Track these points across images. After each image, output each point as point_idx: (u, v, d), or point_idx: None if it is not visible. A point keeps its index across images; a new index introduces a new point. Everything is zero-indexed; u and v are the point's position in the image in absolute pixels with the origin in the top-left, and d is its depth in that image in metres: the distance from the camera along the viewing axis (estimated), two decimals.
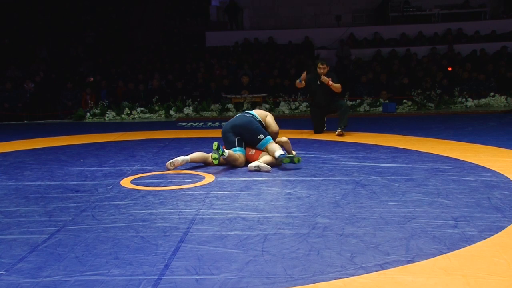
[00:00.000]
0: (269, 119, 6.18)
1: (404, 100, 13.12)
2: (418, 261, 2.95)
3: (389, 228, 3.54)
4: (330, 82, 8.31)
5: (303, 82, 8.44)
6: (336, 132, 8.34)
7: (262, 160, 5.69)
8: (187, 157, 5.77)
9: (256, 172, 5.53)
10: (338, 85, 8.41)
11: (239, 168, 5.76)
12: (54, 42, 16.95)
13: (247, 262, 2.99)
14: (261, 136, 5.86)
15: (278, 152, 5.73)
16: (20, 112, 13.31)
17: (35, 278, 2.81)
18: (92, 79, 14.73)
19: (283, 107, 13.07)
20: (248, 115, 6.08)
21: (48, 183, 5.21)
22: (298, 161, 5.64)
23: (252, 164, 5.61)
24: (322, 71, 8.45)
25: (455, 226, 3.56)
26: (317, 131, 8.70)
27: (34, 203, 4.40)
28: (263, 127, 6.01)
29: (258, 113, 6.21)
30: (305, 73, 8.53)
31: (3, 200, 4.53)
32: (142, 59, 16.60)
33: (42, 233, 3.58)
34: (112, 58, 16.50)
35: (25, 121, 12.75)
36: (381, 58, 16.27)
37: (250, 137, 5.88)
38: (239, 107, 12.80)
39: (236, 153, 5.78)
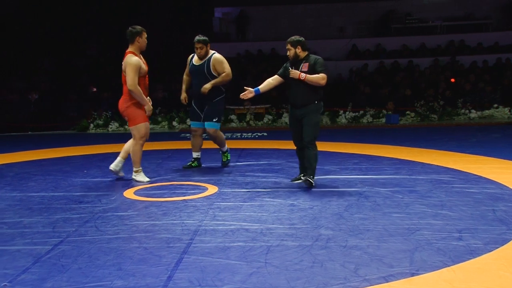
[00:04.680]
0: None
1: (407, 112, 13.12)
2: (423, 273, 2.94)
3: (393, 240, 3.53)
4: (302, 75, 5.22)
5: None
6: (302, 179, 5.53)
7: None
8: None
9: (259, 183, 5.52)
10: (315, 77, 5.21)
11: (242, 179, 5.76)
12: (57, 53, 17.04)
13: (250, 274, 2.98)
14: None
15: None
16: (24, 123, 13.34)
17: None
18: (95, 89, 14.78)
19: (286, 118, 13.07)
20: None
21: (52, 194, 5.22)
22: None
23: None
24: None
25: (460, 239, 3.54)
26: (296, 142, 5.61)
27: (38, 214, 4.40)
28: None
29: None
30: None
31: (7, 211, 4.54)
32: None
33: (45, 244, 3.58)
34: (114, 69, 16.56)
35: (29, 132, 12.78)
36: (383, 70, 16.30)
37: None
38: (242, 118, 12.82)
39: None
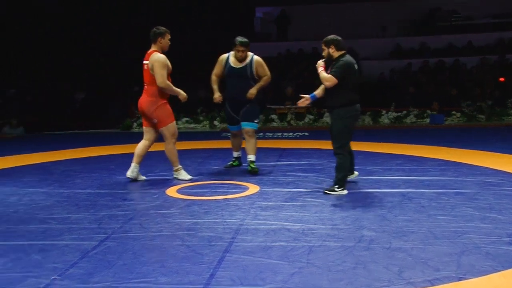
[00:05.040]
0: None
1: (453, 112, 12.80)
2: (470, 278, 2.86)
3: (439, 243, 3.45)
4: (319, 71, 5.10)
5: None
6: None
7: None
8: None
9: (300, 183, 5.50)
10: (323, 76, 5.04)
11: (284, 179, 5.75)
12: (102, 53, 17.44)
13: (292, 274, 2.97)
14: None
15: None
16: (70, 122, 13.72)
17: (86, 284, 2.88)
18: (137, 88, 15.06)
19: (327, 118, 12.96)
20: None
21: (98, 191, 5.34)
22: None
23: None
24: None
25: (511, 243, 3.43)
26: None
27: (85, 211, 4.52)
28: None
29: None
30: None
31: (56, 207, 4.67)
32: (187, 70, 16.87)
33: (92, 240, 3.67)
34: None
35: (76, 131, 13.13)
36: (428, 69, 15.97)
37: None
38: (283, 118, 12.80)
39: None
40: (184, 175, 5.84)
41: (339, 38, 5.08)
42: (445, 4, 18.01)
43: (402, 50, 17.41)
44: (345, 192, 5.00)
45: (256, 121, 6.22)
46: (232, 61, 6.11)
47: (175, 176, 5.87)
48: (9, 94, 14.46)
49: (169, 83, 5.55)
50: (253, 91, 6.03)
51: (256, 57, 6.14)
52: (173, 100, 5.81)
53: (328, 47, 5.06)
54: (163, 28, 5.66)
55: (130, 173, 5.77)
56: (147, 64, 5.58)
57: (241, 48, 6.00)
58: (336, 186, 5.01)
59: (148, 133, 5.77)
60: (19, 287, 2.86)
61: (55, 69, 16.44)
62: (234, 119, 6.27)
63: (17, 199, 5.00)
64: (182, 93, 5.71)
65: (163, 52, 5.62)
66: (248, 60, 6.09)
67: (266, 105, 13.33)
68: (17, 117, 12.38)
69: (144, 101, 5.65)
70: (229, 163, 6.63)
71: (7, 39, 15.84)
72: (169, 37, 5.68)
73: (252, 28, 18.81)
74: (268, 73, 6.15)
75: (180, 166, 5.87)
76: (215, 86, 6.31)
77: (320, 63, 5.13)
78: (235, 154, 6.62)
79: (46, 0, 16.76)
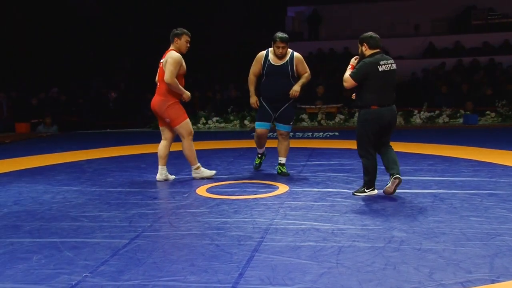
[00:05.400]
0: None
1: (487, 112, 12.52)
2: (504, 281, 2.79)
3: (471, 245, 3.38)
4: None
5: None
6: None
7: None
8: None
9: (330, 183, 5.47)
10: (345, 76, 4.92)
11: (313, 179, 5.72)
12: (135, 53, 17.70)
13: (321, 274, 2.95)
14: None
15: None
16: (103, 121, 13.96)
17: (116, 281, 2.92)
18: None
19: None
20: None
21: (129, 189, 5.42)
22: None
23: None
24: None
25: None
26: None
27: (116, 209, 4.59)
28: None
29: None
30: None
31: (88, 205, 4.76)
32: (219, 69, 16.98)
33: (122, 238, 3.72)
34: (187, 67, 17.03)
35: (108, 130, 13.35)
36: (462, 68, 15.67)
37: None
38: (313, 118, 12.74)
39: None
40: (205, 172, 5.85)
41: (374, 36, 4.84)
42: (481, 2, 17.63)
43: (435, 49, 17.13)
44: (375, 192, 4.91)
45: (291, 123, 6.05)
46: (272, 58, 5.84)
47: (194, 175, 5.84)
48: (52, 93, 14.77)
49: (176, 80, 5.50)
50: (296, 88, 5.76)
51: (296, 54, 5.87)
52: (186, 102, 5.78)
53: (362, 45, 4.87)
54: (182, 29, 5.67)
55: (159, 176, 5.82)
56: (162, 62, 5.62)
57: (282, 44, 5.73)
58: (365, 188, 4.92)
59: (164, 133, 5.81)
60: (52, 283, 2.92)
61: (88, 69, 16.76)
62: (270, 117, 5.94)
63: (50, 197, 5.12)
64: (186, 93, 5.65)
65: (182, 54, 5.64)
66: (288, 57, 5.82)
67: (297, 105, 13.30)
68: (51, 116, 12.64)
69: (156, 100, 5.68)
70: (258, 163, 6.40)
71: (42, 40, 16.23)
72: (187, 39, 5.66)
73: (284, 28, 18.79)
74: (308, 70, 5.91)
75: (198, 164, 5.85)
76: (252, 88, 6.04)
77: (353, 61, 4.98)
78: (260, 151, 6.35)
79: (79, 2, 17.11)
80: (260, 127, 6.00)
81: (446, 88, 13.87)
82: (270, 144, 6.66)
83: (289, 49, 5.85)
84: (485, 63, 15.74)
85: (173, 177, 5.94)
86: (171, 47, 5.65)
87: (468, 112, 12.40)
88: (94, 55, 17.89)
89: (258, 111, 6.05)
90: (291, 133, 6.37)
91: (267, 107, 5.94)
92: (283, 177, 5.91)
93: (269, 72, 5.85)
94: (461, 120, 12.35)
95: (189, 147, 5.73)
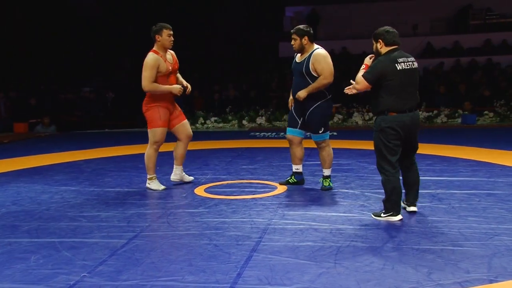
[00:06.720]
0: None
1: (486, 112, 12.53)
2: (502, 280, 2.80)
3: (469, 245, 3.39)
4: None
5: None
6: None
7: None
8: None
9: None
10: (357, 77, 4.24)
11: (311, 179, 5.72)
12: (137, 53, 17.70)
13: (319, 274, 2.95)
14: None
15: None
16: (101, 121, 13.94)
17: (114, 281, 2.92)
18: None
19: (356, 118, 12.86)
20: None
21: (127, 189, 5.42)
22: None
23: None
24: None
25: None
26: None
27: (114, 209, 4.58)
28: None
29: None
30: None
31: (86, 205, 4.76)
32: (218, 69, 16.96)
33: (121, 237, 3.72)
34: (185, 66, 17.04)
35: (106, 130, 13.33)
36: (460, 68, 15.68)
37: None
38: None
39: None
40: (157, 184, 5.41)
41: (391, 30, 4.20)
42: (479, 2, 17.65)
43: (434, 49, 17.14)
44: (396, 218, 4.01)
45: (321, 131, 5.21)
46: (298, 55, 5.28)
47: (147, 185, 5.44)
48: (84, 92, 14.80)
49: (154, 85, 5.19)
50: (300, 93, 5.06)
51: (317, 51, 5.12)
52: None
53: (376, 41, 4.21)
54: (159, 24, 5.24)
55: (173, 176, 5.61)
56: None
57: (293, 36, 5.18)
58: (383, 212, 4.11)
59: (177, 133, 5.57)
60: (50, 283, 2.92)
61: (88, 69, 16.75)
62: (295, 121, 5.32)
63: (48, 197, 5.11)
64: (173, 87, 5.30)
65: (168, 49, 5.32)
66: (307, 54, 5.15)
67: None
68: (50, 116, 12.62)
69: (143, 101, 5.50)
70: (285, 180, 5.55)
71: (41, 40, 16.21)
72: (169, 32, 5.21)
73: (282, 28, 18.79)
74: (326, 72, 5.02)
75: (154, 175, 5.44)
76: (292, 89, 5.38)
77: (367, 60, 4.29)
78: (294, 168, 5.48)
79: (79, 2, 17.11)
80: (287, 132, 5.44)
81: (445, 88, 13.88)
82: (269, 144, 6.65)
83: (315, 45, 5.22)
84: (483, 63, 15.76)
85: (191, 178, 5.73)
86: (154, 46, 5.26)
87: (466, 112, 12.41)
88: (94, 55, 17.87)
89: (288, 114, 5.52)
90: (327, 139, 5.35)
91: (293, 111, 5.35)
92: (282, 177, 5.81)
93: (293, 69, 5.34)
94: (459, 120, 12.36)
95: (150, 155, 5.38)
